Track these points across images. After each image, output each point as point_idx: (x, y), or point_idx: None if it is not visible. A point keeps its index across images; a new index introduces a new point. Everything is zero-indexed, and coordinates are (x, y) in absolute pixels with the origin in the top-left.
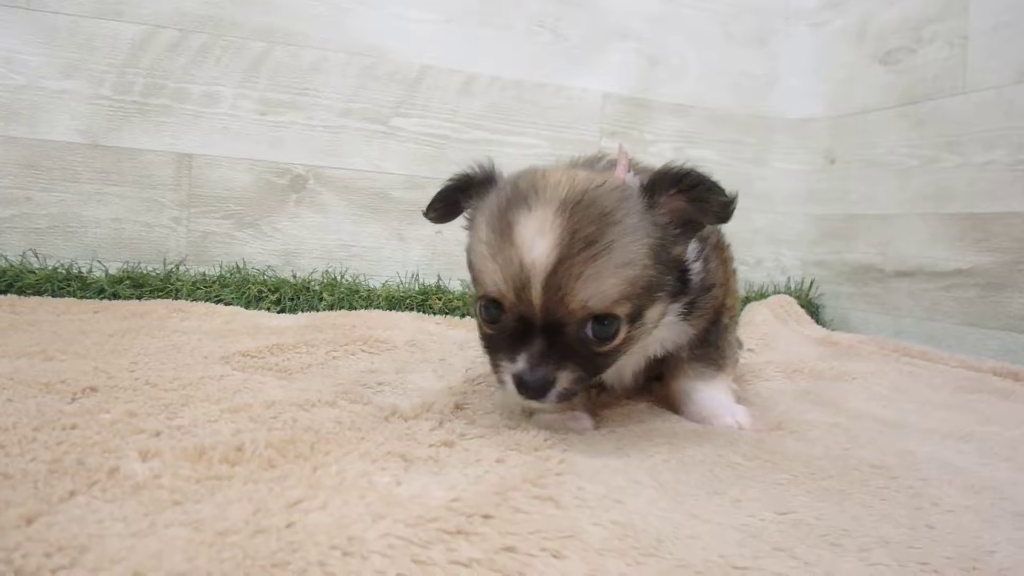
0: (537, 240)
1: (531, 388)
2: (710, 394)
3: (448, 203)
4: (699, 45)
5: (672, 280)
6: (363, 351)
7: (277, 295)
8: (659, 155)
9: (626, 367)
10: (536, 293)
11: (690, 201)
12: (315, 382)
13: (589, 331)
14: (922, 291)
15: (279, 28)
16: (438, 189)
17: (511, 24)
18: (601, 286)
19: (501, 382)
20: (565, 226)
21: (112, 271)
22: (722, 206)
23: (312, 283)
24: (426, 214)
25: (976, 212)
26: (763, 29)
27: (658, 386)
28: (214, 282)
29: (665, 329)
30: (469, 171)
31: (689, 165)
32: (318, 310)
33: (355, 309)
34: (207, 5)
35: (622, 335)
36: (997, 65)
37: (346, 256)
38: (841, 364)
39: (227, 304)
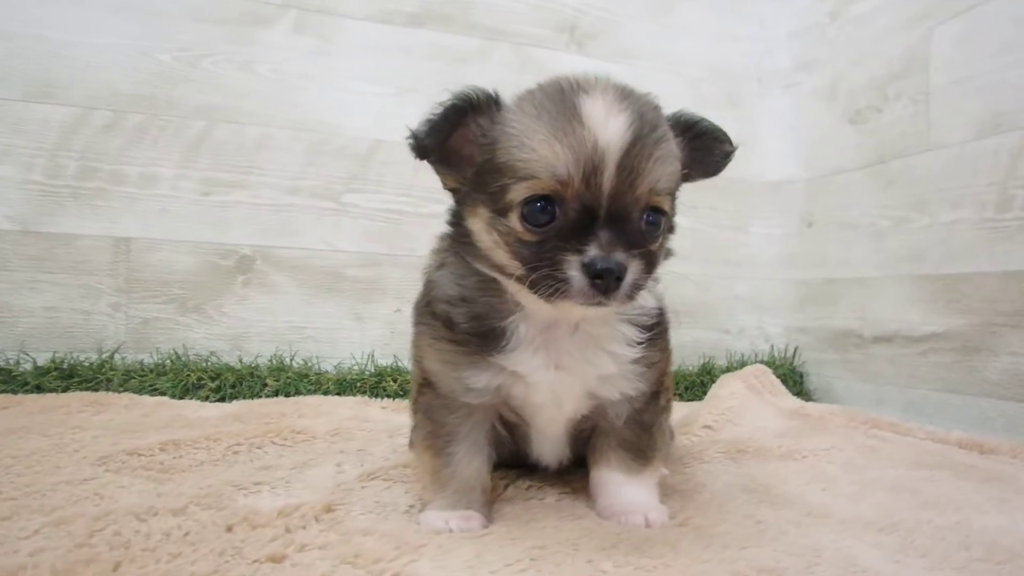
0: (611, 118)
1: (607, 275)
2: (629, 489)
3: (451, 128)
4: (668, 109)
5: (671, 224)
6: (274, 443)
7: (217, 382)
8: None
9: (554, 426)
10: (609, 175)
11: (693, 150)
12: (185, 484)
13: (644, 222)
14: (901, 357)
15: (220, 106)
16: (434, 113)
17: None
18: (666, 170)
19: (559, 285)
20: (631, 108)
21: (41, 362)
22: (724, 155)
23: (259, 368)
24: (422, 141)
25: (947, 273)
26: (736, 92)
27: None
28: (150, 371)
29: (620, 348)
30: (470, 92)
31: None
32: (261, 397)
33: (302, 395)
34: (142, 85)
35: (661, 239)
36: (959, 121)
37: (299, 339)
38: (798, 441)
39: (161, 394)
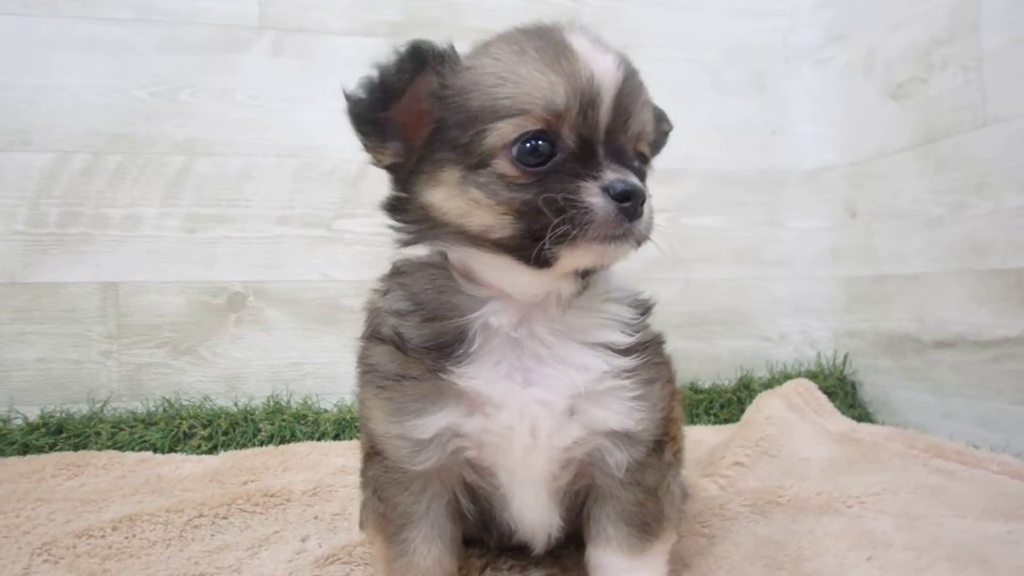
0: (600, 54)
1: (635, 194)
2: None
3: (409, 80)
4: (686, 99)
5: None
6: (242, 511)
7: (209, 430)
8: None
9: (531, 473)
10: (606, 109)
11: None
12: None
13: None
14: (967, 364)
15: (199, 139)
16: (384, 67)
17: None
18: (650, 116)
19: (581, 216)
20: (614, 51)
21: (32, 417)
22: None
23: (255, 412)
24: (375, 97)
25: (1018, 267)
26: (761, 73)
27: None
28: (140, 421)
29: (611, 335)
30: (422, 42)
31: None
32: (255, 444)
33: (297, 439)
34: (118, 123)
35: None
36: (1019, 89)
37: (297, 376)
38: (844, 481)
39: (152, 445)
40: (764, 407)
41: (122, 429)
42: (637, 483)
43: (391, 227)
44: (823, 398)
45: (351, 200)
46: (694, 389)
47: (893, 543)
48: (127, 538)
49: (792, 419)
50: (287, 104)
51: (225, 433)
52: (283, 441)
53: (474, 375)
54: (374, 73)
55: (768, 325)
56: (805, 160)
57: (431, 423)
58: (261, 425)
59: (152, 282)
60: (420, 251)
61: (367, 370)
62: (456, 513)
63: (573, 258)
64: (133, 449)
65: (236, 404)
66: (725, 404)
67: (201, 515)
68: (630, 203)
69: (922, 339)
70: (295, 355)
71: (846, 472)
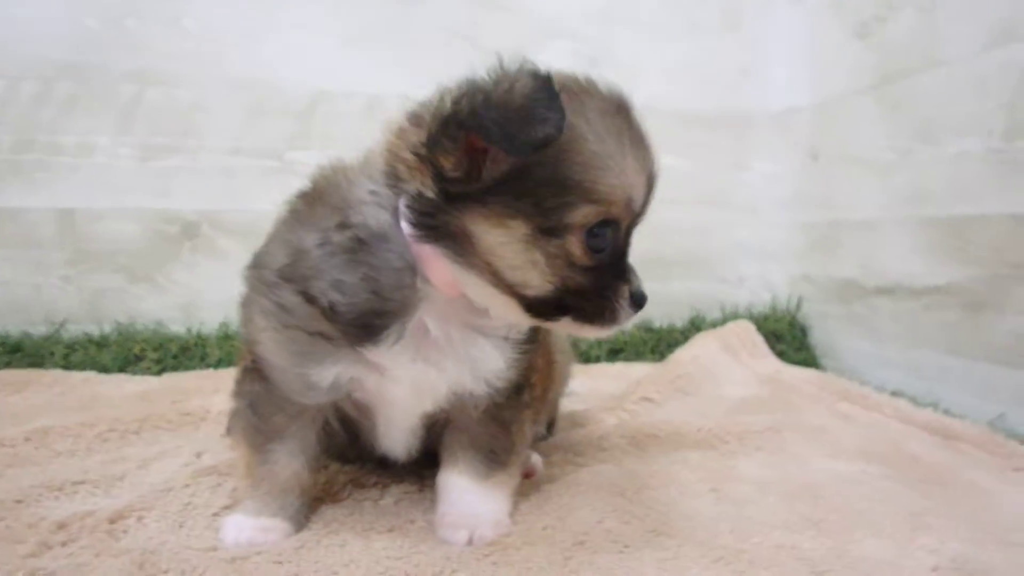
0: (653, 146)
1: (644, 302)
2: (473, 498)
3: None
4: (657, 39)
5: None
6: (154, 428)
7: (159, 353)
8: None
9: (405, 422)
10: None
11: None
12: (14, 482)
13: None
14: (903, 312)
15: (150, 69)
16: (545, 94)
17: (420, 38)
18: None
19: (612, 314)
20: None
21: None
22: None
23: (207, 338)
24: (548, 129)
25: (953, 215)
26: (735, 11)
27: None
28: (93, 343)
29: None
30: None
31: None
32: (202, 368)
33: None
34: (70, 51)
35: None
36: (968, 31)
37: None
38: (743, 418)
39: (104, 367)
40: (694, 347)
41: (76, 351)
42: (493, 419)
43: (410, 219)
44: (760, 340)
45: (303, 133)
46: (647, 328)
47: (744, 478)
48: (36, 448)
49: (723, 359)
50: (238, 35)
51: (175, 357)
52: (231, 366)
53: (388, 356)
54: (541, 93)
55: (728, 268)
56: (774, 101)
57: (331, 372)
58: (210, 350)
59: (108, 210)
60: (382, 216)
61: (274, 309)
62: (323, 432)
63: (575, 327)
64: (85, 370)
65: (189, 330)
66: (673, 344)
67: (112, 429)
68: (640, 309)
69: (865, 286)
70: None
71: (751, 412)
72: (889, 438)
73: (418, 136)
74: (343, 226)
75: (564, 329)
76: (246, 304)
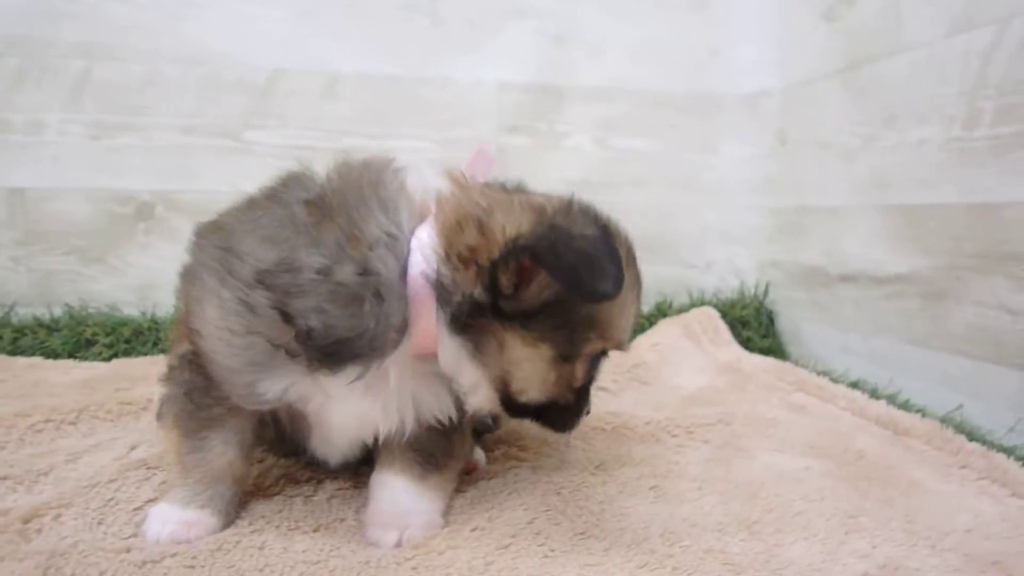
0: None
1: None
2: (406, 497)
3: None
4: (622, 16)
5: None
6: (92, 418)
7: (111, 338)
8: (576, 149)
9: (343, 441)
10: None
11: None
12: None
13: None
14: (865, 300)
15: (99, 43)
16: (608, 247)
17: (378, 13)
18: None
19: (571, 424)
20: None
21: None
22: None
23: (163, 322)
24: (609, 286)
25: (914, 204)
26: None
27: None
28: (43, 327)
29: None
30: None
31: None
32: (156, 353)
33: None
34: (15, 24)
35: None
36: (931, 15)
37: None
38: (696, 410)
39: (54, 352)
40: (655, 334)
41: (25, 335)
42: (434, 426)
43: (449, 310)
44: (722, 327)
45: (260, 111)
46: None
47: (685, 475)
48: None
49: (684, 346)
50: (193, 9)
51: (127, 341)
52: None
53: (341, 387)
54: (607, 250)
55: (695, 252)
56: (743, 84)
57: (281, 385)
58: (165, 334)
59: (59, 189)
60: (393, 266)
61: (240, 309)
62: (258, 426)
63: (536, 426)
64: (34, 355)
65: (144, 314)
66: (638, 329)
67: (48, 420)
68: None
69: (830, 273)
70: None
71: (704, 403)
72: (839, 432)
73: (467, 240)
74: (362, 272)
75: (524, 425)
76: (194, 283)
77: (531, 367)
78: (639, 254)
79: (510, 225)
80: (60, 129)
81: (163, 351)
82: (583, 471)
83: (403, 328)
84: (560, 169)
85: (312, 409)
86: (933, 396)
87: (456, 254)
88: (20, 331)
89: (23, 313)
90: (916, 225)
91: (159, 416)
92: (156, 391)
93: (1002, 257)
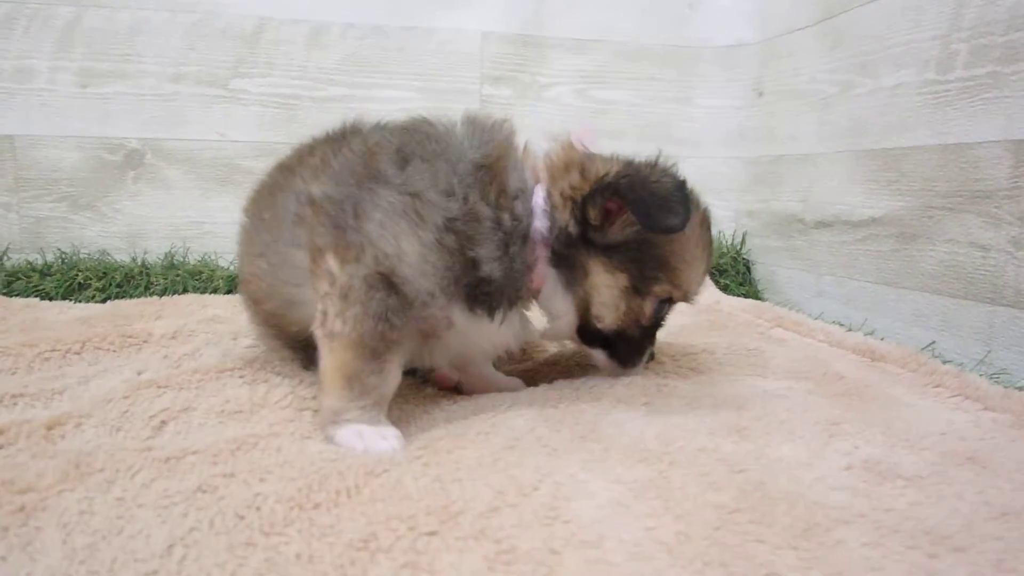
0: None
1: (652, 359)
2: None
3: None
4: None
5: None
6: (96, 348)
7: (103, 282)
8: (556, 100)
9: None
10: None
11: None
12: None
13: None
14: (840, 244)
15: None
16: (682, 195)
17: None
18: None
19: (634, 363)
20: None
21: None
22: None
23: (153, 267)
24: (677, 221)
25: (888, 147)
26: None
27: None
28: (36, 271)
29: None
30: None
31: None
32: (146, 297)
33: (188, 292)
34: None
35: None
36: None
37: (197, 234)
38: (682, 340)
39: (47, 295)
40: None
41: (19, 279)
42: None
43: (547, 241)
44: None
45: (247, 59)
46: None
47: (676, 394)
48: None
49: None
50: None
51: (119, 286)
52: (176, 295)
53: (476, 324)
54: (680, 192)
55: None
56: (720, 36)
57: (449, 307)
58: (155, 279)
59: (48, 136)
60: (526, 215)
61: (437, 248)
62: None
63: (602, 359)
64: (27, 297)
65: (134, 259)
66: None
67: (54, 350)
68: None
69: (805, 219)
70: (194, 214)
71: (688, 337)
72: (818, 359)
73: (570, 180)
74: (514, 217)
75: (592, 357)
76: (371, 218)
77: (608, 293)
78: None
79: (603, 168)
80: (49, 77)
81: (155, 295)
82: (576, 390)
83: (530, 270)
84: (541, 120)
85: (437, 329)
86: (906, 334)
87: (559, 192)
88: (13, 275)
89: (15, 259)
90: (891, 168)
91: (332, 336)
92: (156, 326)
93: (974, 195)
